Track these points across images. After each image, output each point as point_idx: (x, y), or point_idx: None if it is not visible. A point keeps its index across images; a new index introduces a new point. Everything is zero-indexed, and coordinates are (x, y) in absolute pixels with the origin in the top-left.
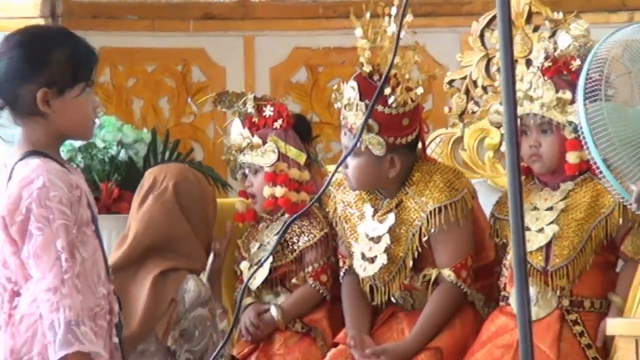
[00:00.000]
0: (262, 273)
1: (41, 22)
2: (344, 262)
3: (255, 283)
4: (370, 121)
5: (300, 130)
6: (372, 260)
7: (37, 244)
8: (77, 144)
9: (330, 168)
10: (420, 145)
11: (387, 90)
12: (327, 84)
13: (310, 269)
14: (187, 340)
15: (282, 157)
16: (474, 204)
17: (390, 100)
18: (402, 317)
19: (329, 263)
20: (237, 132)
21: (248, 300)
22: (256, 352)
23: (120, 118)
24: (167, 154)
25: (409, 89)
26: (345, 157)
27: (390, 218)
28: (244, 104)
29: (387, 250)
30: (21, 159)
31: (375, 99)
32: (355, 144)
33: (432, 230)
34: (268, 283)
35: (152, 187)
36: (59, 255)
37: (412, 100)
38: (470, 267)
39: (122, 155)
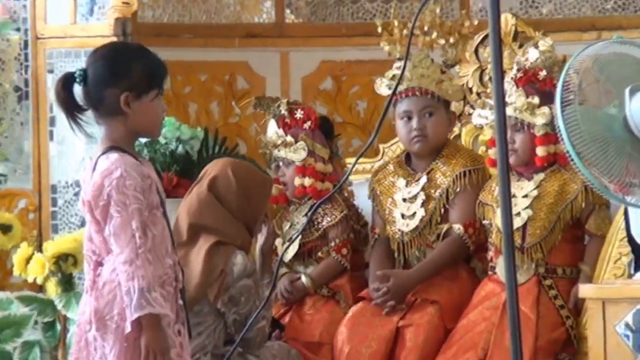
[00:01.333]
0: (293, 248)
1: (114, 39)
2: (374, 233)
3: (288, 256)
4: (448, 73)
5: (325, 130)
6: (412, 216)
7: (116, 224)
8: (143, 140)
9: (349, 161)
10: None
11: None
12: (349, 91)
13: (333, 244)
14: (235, 304)
15: (310, 153)
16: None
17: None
18: None
19: (348, 239)
20: (273, 131)
21: (283, 270)
22: (290, 312)
23: (179, 119)
24: (217, 148)
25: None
26: (388, 106)
27: (423, 180)
28: (278, 107)
29: (423, 205)
30: (103, 153)
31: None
32: (402, 72)
33: (457, 190)
34: (299, 256)
35: (198, 180)
36: (133, 234)
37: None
38: (477, 229)
39: (180, 149)
